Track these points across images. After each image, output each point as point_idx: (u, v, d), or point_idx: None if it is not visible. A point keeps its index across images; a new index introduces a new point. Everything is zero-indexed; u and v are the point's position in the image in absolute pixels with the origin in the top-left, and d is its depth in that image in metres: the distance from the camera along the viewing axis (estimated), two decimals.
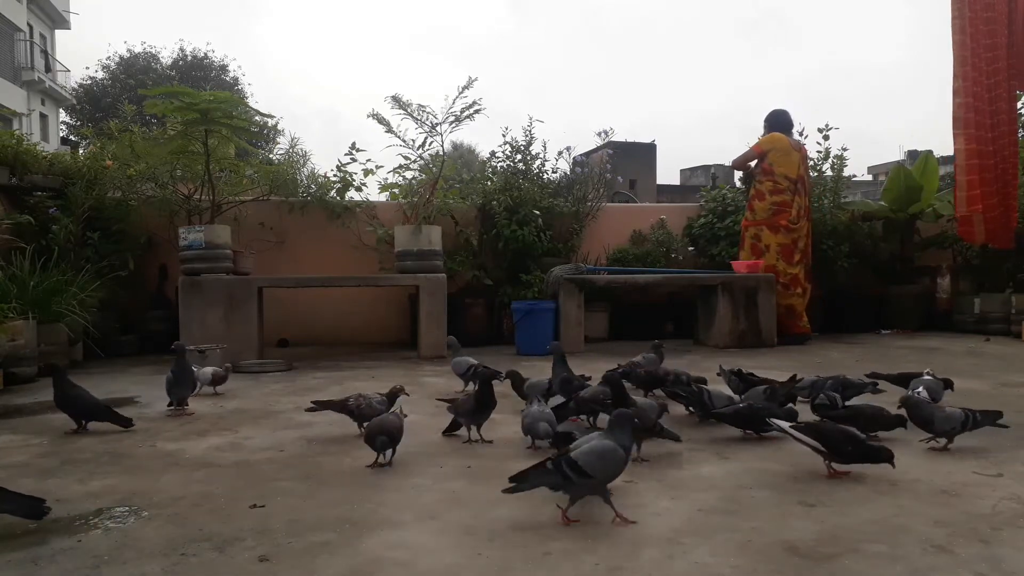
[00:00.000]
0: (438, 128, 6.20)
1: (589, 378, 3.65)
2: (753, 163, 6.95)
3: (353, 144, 7.30)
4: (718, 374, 3.84)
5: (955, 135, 6.53)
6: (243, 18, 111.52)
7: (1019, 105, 7.39)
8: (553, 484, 2.04)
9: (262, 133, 10.09)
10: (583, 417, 3.15)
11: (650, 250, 7.77)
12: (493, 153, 7.90)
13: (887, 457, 2.37)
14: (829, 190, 7.83)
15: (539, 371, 4.99)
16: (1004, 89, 6.59)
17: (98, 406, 3.27)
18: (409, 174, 7.27)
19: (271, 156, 11.61)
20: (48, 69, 30.88)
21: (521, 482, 2.06)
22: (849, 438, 2.41)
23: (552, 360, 3.57)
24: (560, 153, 7.89)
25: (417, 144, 6.41)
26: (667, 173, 40.04)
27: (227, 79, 28.02)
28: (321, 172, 7.58)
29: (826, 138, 7.80)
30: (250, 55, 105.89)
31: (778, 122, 7.00)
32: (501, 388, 3.76)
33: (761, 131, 7.15)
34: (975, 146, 6.43)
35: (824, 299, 7.57)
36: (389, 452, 2.62)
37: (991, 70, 6.53)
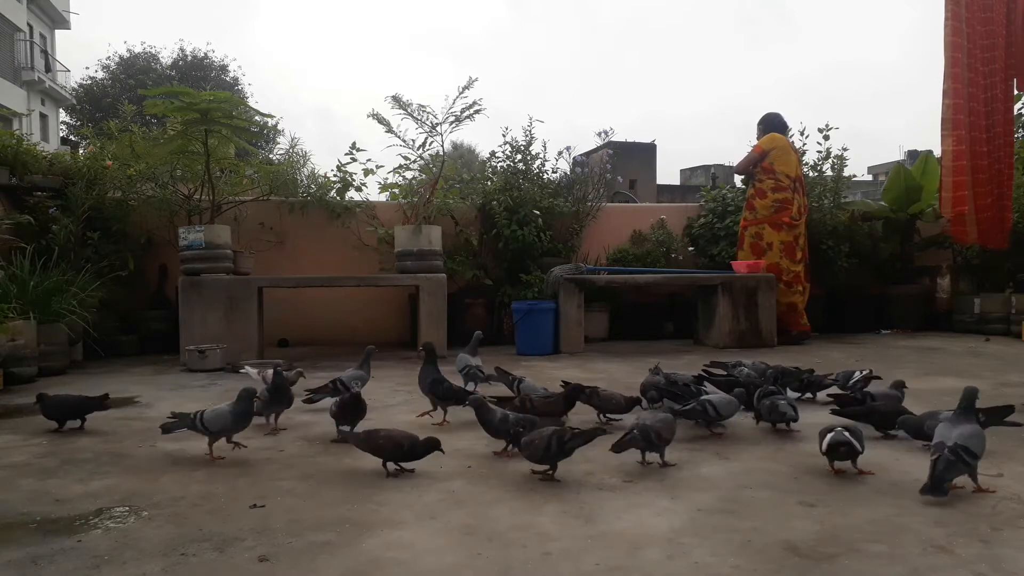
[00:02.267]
0: (438, 128, 6.21)
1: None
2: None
3: (353, 144, 7.29)
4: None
5: (943, 136, 6.54)
6: (242, 17, 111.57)
7: (1019, 106, 7.39)
8: (959, 471, 2.20)
9: (262, 133, 10.08)
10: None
11: (650, 250, 7.77)
12: (493, 153, 7.89)
13: None
14: (829, 190, 7.82)
15: (539, 371, 5.00)
16: (1001, 89, 6.59)
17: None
18: (409, 174, 7.28)
19: (271, 156, 11.61)
20: (48, 69, 30.88)
21: (941, 481, 2.16)
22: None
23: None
24: (560, 153, 7.88)
25: (417, 144, 6.41)
26: (667, 173, 40.02)
27: (227, 79, 28.01)
28: (321, 172, 7.59)
29: (826, 138, 7.80)
30: (247, 54, 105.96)
31: (774, 124, 7.04)
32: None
33: (755, 132, 7.21)
34: (964, 147, 6.45)
35: (824, 299, 7.57)
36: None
37: (988, 71, 6.52)
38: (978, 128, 6.51)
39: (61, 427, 3.31)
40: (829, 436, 2.42)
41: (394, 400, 4.03)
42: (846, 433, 2.40)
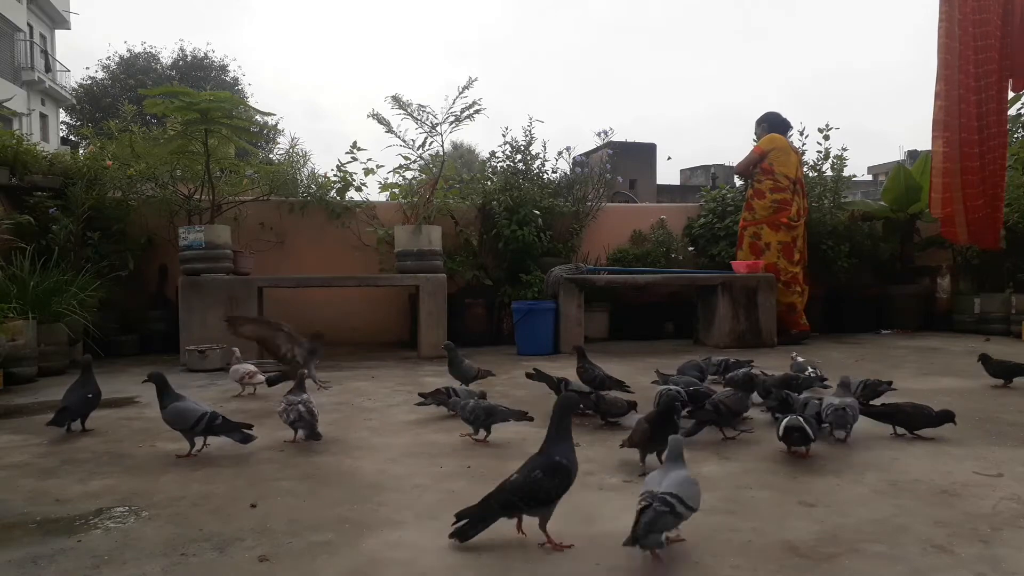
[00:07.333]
0: (438, 128, 6.21)
1: None
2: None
3: (354, 143, 7.30)
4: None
5: (933, 137, 6.55)
6: (240, 16, 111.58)
7: (1017, 107, 7.39)
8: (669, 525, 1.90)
9: (262, 133, 10.07)
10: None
11: (650, 250, 7.78)
12: (493, 153, 7.90)
13: None
14: (829, 190, 7.83)
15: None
16: (995, 90, 6.57)
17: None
18: (409, 174, 7.29)
19: (271, 156, 11.61)
20: (48, 69, 30.89)
21: (648, 533, 1.70)
22: None
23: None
24: (560, 153, 7.90)
25: (417, 144, 6.41)
26: (667, 173, 40.07)
27: (227, 79, 28.02)
28: (321, 172, 7.60)
29: (826, 138, 7.80)
30: (244, 53, 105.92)
31: (775, 123, 7.04)
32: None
33: (753, 133, 7.21)
34: (953, 149, 6.45)
35: (824, 299, 7.57)
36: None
37: (981, 72, 6.50)
38: (969, 129, 6.50)
39: (68, 429, 3.30)
40: (784, 421, 2.68)
41: (395, 400, 4.03)
42: (800, 420, 2.66)
